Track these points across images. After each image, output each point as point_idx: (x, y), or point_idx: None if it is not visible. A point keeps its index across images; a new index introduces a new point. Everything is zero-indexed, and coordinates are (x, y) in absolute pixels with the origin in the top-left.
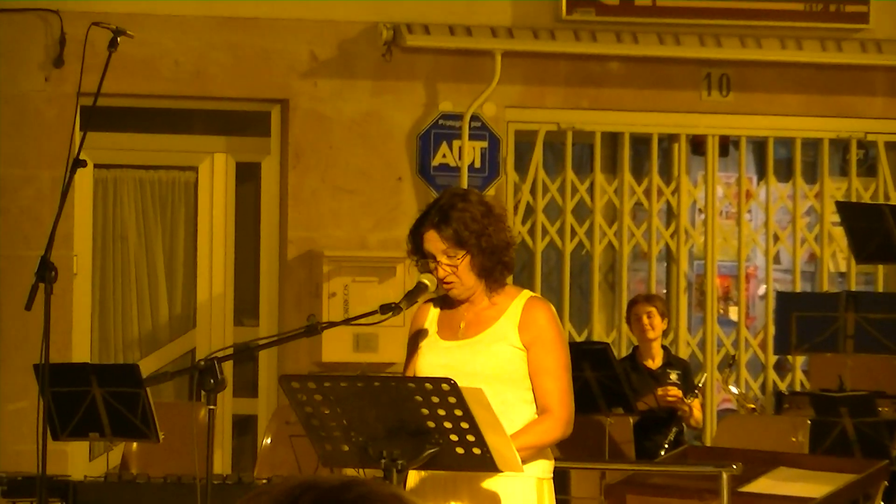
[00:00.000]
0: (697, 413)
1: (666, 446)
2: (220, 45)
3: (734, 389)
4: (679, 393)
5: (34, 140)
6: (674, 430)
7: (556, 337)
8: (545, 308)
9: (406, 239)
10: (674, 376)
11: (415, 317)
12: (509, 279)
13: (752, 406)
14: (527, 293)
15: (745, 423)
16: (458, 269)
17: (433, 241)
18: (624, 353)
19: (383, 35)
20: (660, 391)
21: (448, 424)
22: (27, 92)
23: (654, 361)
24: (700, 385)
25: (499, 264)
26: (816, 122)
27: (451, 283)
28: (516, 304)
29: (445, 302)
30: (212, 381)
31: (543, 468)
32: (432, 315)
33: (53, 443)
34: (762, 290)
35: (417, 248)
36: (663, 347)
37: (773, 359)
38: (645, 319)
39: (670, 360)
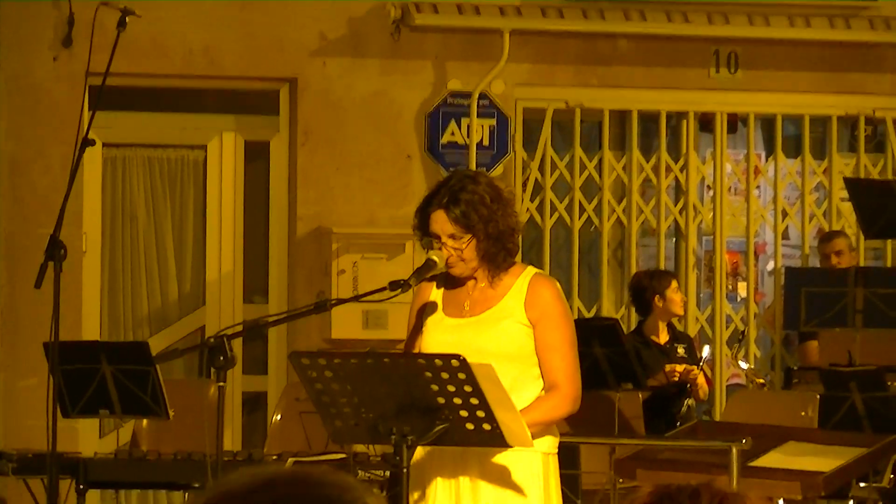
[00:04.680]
0: (704, 384)
1: (678, 423)
2: (229, 24)
3: (743, 365)
4: (692, 369)
5: (43, 119)
6: (686, 402)
7: (561, 313)
8: (550, 285)
9: (413, 215)
10: (681, 350)
11: (417, 294)
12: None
13: (762, 381)
14: (531, 270)
15: (754, 399)
16: (462, 253)
17: (440, 223)
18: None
19: (392, 14)
20: (668, 367)
21: (458, 400)
22: (36, 71)
23: (661, 337)
24: (703, 356)
25: (503, 250)
26: (825, 99)
27: (455, 264)
28: (521, 281)
29: (449, 280)
30: (221, 358)
31: (549, 444)
32: (436, 293)
33: (64, 420)
34: (771, 265)
35: (423, 226)
36: (667, 323)
37: (781, 334)
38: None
39: (676, 335)
